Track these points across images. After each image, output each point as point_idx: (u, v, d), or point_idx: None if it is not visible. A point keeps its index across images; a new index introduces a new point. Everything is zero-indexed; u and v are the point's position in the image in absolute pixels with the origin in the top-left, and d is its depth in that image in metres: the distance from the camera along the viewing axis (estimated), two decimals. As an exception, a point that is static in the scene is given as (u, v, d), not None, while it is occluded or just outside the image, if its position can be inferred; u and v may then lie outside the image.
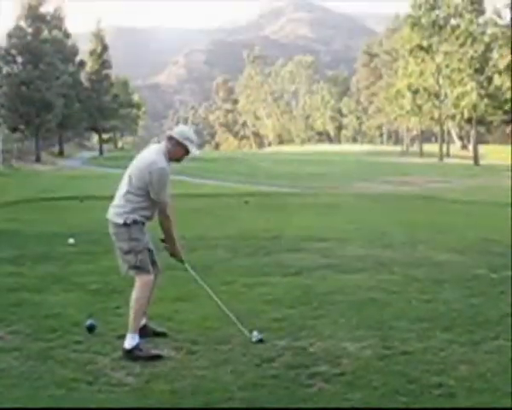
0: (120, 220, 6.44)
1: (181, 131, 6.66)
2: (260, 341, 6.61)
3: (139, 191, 6.43)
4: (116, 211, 6.51)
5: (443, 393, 5.32)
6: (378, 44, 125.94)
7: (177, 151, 6.57)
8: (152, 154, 6.55)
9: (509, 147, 66.76)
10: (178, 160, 6.66)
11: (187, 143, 6.54)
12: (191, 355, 6.31)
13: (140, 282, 6.51)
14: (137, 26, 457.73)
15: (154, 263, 6.68)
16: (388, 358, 6.16)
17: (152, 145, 6.86)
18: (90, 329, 6.96)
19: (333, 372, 5.81)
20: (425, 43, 75.63)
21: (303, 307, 8.05)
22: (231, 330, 6.92)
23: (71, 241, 12.96)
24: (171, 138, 6.56)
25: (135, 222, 6.45)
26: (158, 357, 6.25)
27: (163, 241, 6.70)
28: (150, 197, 6.43)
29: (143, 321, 6.72)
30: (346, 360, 6.15)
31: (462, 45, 69.64)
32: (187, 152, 6.61)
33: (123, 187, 6.56)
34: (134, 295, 6.50)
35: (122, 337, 6.47)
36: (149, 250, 6.64)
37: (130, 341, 6.30)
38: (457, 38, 70.13)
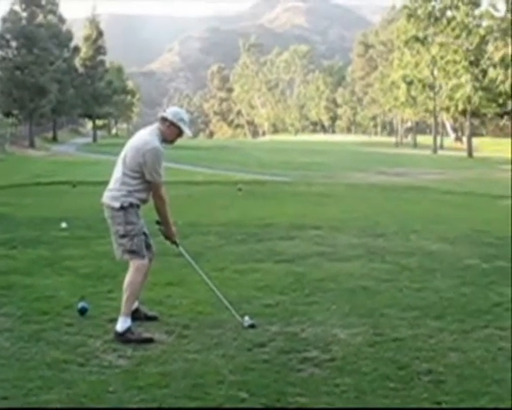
0: (117, 204, 6.44)
1: (175, 111, 6.69)
2: (252, 326, 6.63)
3: (134, 174, 6.43)
4: (112, 194, 6.52)
5: (432, 379, 5.36)
6: (374, 35, 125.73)
7: (171, 132, 6.59)
8: (145, 135, 6.57)
9: (503, 140, 66.92)
10: (172, 141, 6.68)
11: (181, 124, 6.56)
12: (182, 339, 6.33)
13: (134, 266, 6.51)
14: (132, 13, 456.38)
15: (148, 247, 6.70)
16: (379, 344, 6.20)
17: (144, 128, 6.86)
18: (82, 311, 6.97)
19: (323, 358, 5.85)
20: (420, 35, 75.47)
21: (295, 293, 8.08)
22: (223, 316, 6.95)
23: (63, 225, 12.95)
24: (164, 120, 6.58)
25: (131, 205, 6.46)
26: (149, 340, 6.27)
27: (158, 223, 6.70)
28: (145, 180, 6.44)
29: (135, 305, 6.74)
30: (337, 346, 6.18)
31: (457, 37, 69.49)
32: (180, 133, 6.64)
33: (118, 171, 6.57)
34: (128, 279, 6.51)
35: (114, 321, 6.50)
36: (145, 234, 6.66)
37: (122, 324, 6.32)
38: (453, 30, 69.95)
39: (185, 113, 6.80)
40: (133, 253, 6.51)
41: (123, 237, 6.49)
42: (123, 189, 6.47)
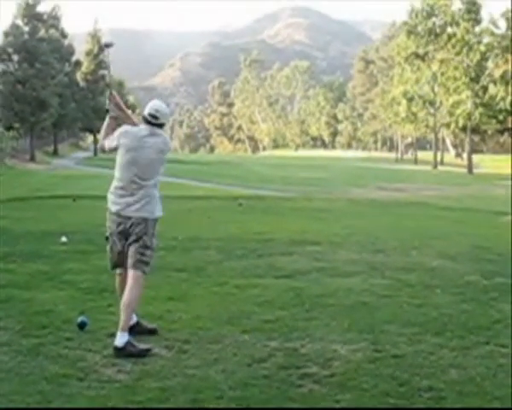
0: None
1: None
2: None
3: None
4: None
5: (433, 396, 5.33)
6: (374, 51, 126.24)
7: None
8: None
9: (503, 156, 67.13)
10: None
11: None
12: (182, 354, 6.30)
13: (138, 281, 6.52)
14: (134, 29, 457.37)
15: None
16: (379, 361, 6.17)
17: None
18: (82, 326, 6.94)
19: (323, 374, 5.82)
20: (421, 51, 75.92)
21: (295, 309, 8.04)
22: (223, 331, 6.95)
23: (63, 239, 12.90)
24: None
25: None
26: (148, 350, 6.27)
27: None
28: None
29: (135, 319, 6.79)
30: (337, 362, 6.15)
31: (457, 54, 69.85)
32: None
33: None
34: (131, 295, 6.45)
35: (113, 335, 6.46)
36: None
37: (121, 339, 6.28)
38: (453, 47, 70.34)
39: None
40: (147, 265, 6.60)
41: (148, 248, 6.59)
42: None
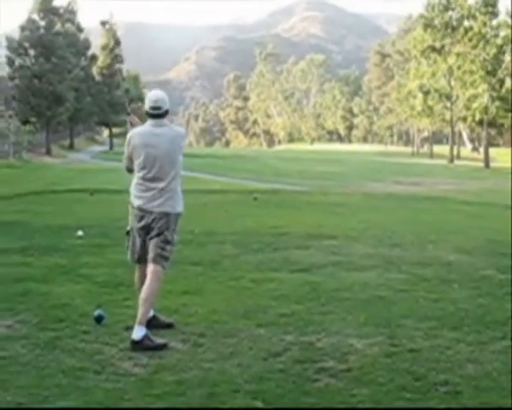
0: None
1: None
2: None
3: None
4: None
5: (449, 390, 5.32)
6: (390, 44, 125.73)
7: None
8: None
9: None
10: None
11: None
12: (198, 348, 6.32)
13: (156, 276, 6.56)
14: (149, 23, 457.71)
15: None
16: (395, 355, 6.16)
17: None
18: (99, 319, 6.97)
19: (340, 368, 5.82)
20: (437, 45, 75.40)
21: (310, 303, 8.05)
22: (239, 325, 6.96)
23: (79, 233, 12.95)
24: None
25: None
26: (165, 346, 6.29)
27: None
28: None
29: (152, 313, 6.79)
30: (353, 356, 6.15)
31: (474, 47, 69.32)
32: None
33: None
34: (149, 289, 6.48)
35: (130, 329, 6.49)
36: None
37: (139, 332, 6.30)
38: (470, 40, 69.80)
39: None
40: (167, 260, 6.64)
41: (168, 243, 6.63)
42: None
